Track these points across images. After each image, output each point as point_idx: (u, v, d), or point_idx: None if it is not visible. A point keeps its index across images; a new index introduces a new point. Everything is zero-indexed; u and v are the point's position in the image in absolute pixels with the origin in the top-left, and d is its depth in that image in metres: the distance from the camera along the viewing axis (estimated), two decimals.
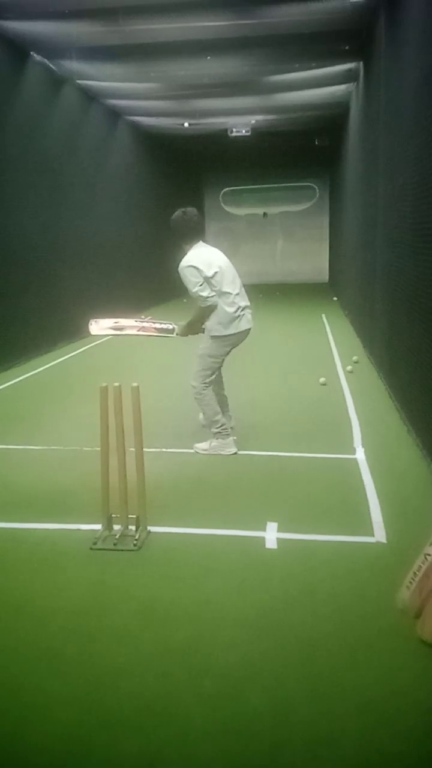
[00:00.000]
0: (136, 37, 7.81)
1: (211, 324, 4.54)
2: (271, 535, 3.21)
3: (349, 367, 7.18)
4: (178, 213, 4.56)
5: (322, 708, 2.06)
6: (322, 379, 6.54)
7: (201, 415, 4.72)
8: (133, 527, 3.22)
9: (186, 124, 13.29)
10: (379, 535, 3.22)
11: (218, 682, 2.19)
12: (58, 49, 8.26)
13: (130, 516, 3.21)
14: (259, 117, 12.84)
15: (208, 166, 19.46)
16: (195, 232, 4.55)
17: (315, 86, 10.35)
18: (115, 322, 4.79)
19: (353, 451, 4.49)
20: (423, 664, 2.25)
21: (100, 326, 4.81)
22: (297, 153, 16.90)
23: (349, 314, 11.04)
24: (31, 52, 8.30)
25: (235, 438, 4.60)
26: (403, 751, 1.90)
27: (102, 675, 2.25)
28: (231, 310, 4.50)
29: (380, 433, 4.89)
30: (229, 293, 4.50)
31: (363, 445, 4.60)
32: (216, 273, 4.45)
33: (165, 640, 2.43)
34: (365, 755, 1.88)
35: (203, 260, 4.44)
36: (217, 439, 4.54)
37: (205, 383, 4.59)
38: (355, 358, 7.58)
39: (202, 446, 4.59)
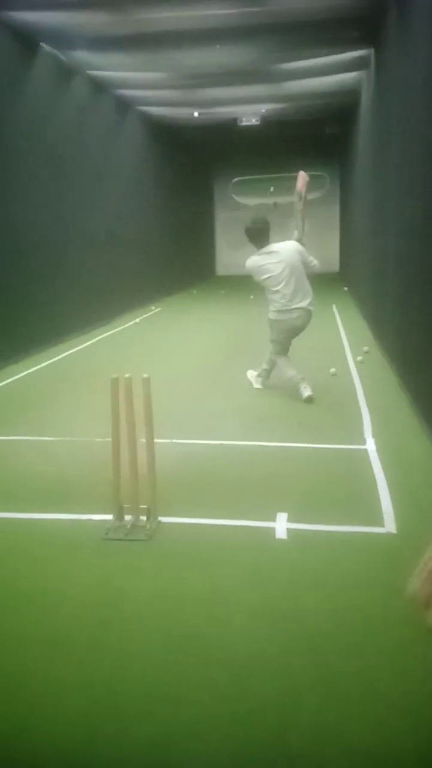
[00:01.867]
0: (145, 27, 7.77)
1: (268, 310, 5.69)
2: (281, 526, 3.22)
3: (359, 358, 7.15)
4: (248, 221, 5.69)
5: (330, 696, 2.07)
6: (332, 370, 6.53)
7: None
8: (144, 517, 3.24)
9: (195, 114, 13.22)
10: (390, 525, 3.22)
11: (227, 671, 2.20)
12: (67, 40, 8.22)
13: (141, 506, 3.23)
14: (269, 106, 12.74)
15: (218, 155, 19.35)
16: (260, 240, 5.61)
17: (325, 74, 10.25)
18: (304, 192, 5.86)
19: (363, 442, 4.48)
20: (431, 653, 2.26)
21: (304, 179, 5.89)
22: (307, 142, 16.77)
23: (360, 304, 10.98)
24: (41, 43, 8.27)
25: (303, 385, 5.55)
26: (411, 740, 1.91)
27: (112, 663, 2.27)
28: (277, 307, 5.55)
29: (391, 423, 4.87)
30: (277, 292, 5.51)
31: (373, 436, 4.59)
32: (268, 278, 5.52)
33: (175, 629, 2.45)
34: (373, 743, 1.89)
35: (256, 267, 5.58)
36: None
37: (273, 354, 5.84)
38: (365, 348, 7.55)
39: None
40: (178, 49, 8.81)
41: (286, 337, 5.69)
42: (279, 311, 5.55)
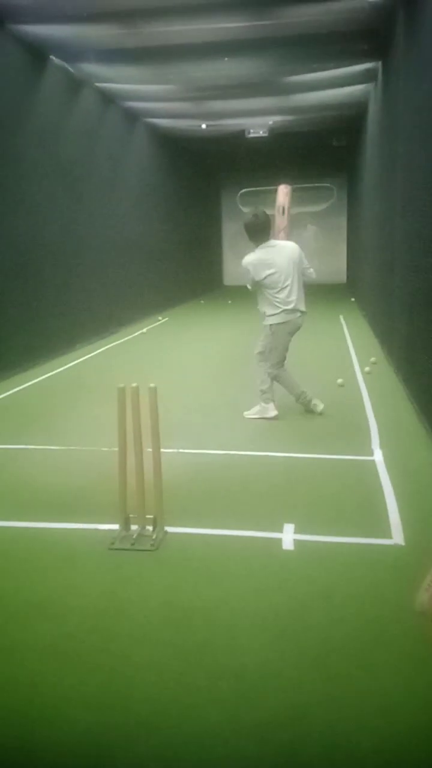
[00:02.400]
0: (153, 40, 7.84)
1: (267, 314, 5.30)
2: (288, 537, 3.20)
3: (367, 368, 7.14)
4: (248, 215, 5.25)
5: (338, 711, 2.05)
6: (339, 380, 6.51)
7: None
8: (150, 527, 3.23)
9: (203, 126, 13.30)
10: (398, 537, 3.20)
11: (235, 684, 2.18)
12: (76, 52, 8.31)
13: (147, 516, 3.22)
14: (277, 118, 12.81)
15: (226, 167, 19.46)
16: (262, 235, 5.19)
17: (333, 86, 10.31)
18: (286, 206, 5.53)
19: (371, 453, 4.46)
20: None
21: (286, 193, 5.58)
22: (315, 154, 16.85)
23: (367, 315, 10.97)
24: (50, 56, 8.37)
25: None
26: (419, 754, 1.88)
27: (119, 675, 2.25)
28: (282, 307, 5.18)
29: (398, 434, 4.85)
30: (282, 290, 5.16)
31: (381, 447, 4.57)
32: (271, 275, 5.11)
33: (182, 640, 2.43)
34: (381, 757, 1.86)
35: (257, 262, 5.14)
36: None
37: (272, 368, 5.39)
38: (373, 359, 7.54)
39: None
40: (186, 61, 8.89)
41: (287, 342, 5.31)
42: (285, 311, 5.17)
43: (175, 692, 2.15)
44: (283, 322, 5.22)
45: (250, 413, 5.39)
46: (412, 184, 5.62)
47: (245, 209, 21.45)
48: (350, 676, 2.21)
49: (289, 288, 5.15)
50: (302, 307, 5.27)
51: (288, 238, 5.42)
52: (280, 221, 5.45)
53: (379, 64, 9.01)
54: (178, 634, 2.47)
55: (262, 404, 5.35)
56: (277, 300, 5.16)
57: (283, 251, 5.18)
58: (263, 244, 5.18)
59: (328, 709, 2.06)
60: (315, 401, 5.38)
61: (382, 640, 2.39)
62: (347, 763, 1.86)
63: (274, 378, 5.36)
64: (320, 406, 5.37)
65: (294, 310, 5.20)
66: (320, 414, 5.34)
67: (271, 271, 5.10)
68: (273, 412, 5.31)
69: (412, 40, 5.81)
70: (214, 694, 2.14)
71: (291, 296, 5.17)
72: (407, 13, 6.13)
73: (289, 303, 5.16)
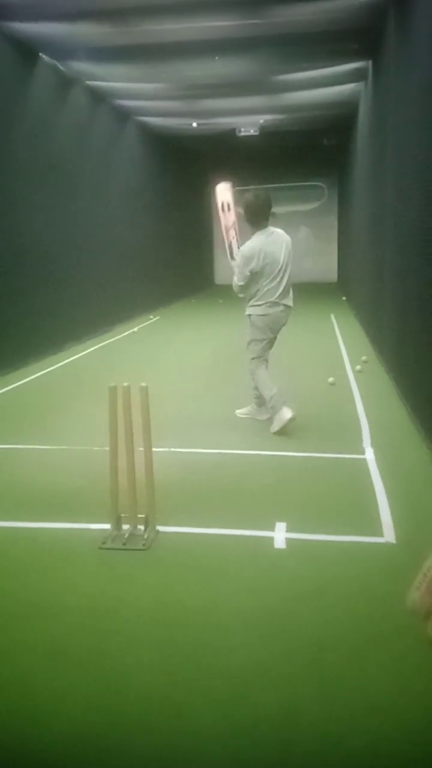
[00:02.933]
0: (144, 38, 7.82)
1: (250, 305, 5.03)
2: (280, 535, 3.21)
3: (358, 367, 7.16)
4: (247, 195, 4.91)
5: (331, 709, 2.06)
6: (330, 379, 6.53)
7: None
8: (141, 527, 3.22)
9: (194, 125, 13.29)
10: (389, 535, 3.21)
11: (227, 683, 2.19)
12: (66, 50, 8.28)
13: (138, 516, 3.22)
14: (268, 117, 12.82)
15: (217, 165, 19.40)
16: (262, 218, 4.88)
17: (323, 85, 10.33)
18: (228, 202, 5.19)
19: (362, 451, 4.47)
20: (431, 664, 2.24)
21: (226, 190, 5.22)
22: (305, 152, 16.88)
23: (358, 314, 11.00)
24: (40, 54, 8.33)
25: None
26: (412, 753, 1.89)
27: (111, 674, 2.25)
28: (266, 299, 4.92)
29: (389, 433, 4.87)
30: (272, 281, 4.88)
31: (372, 446, 4.58)
32: (267, 265, 4.83)
33: (174, 639, 2.43)
34: (374, 756, 1.87)
35: (257, 251, 4.83)
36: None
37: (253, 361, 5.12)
38: (364, 357, 7.56)
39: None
40: (177, 60, 8.88)
41: (270, 336, 5.01)
42: (268, 303, 4.89)
43: (169, 691, 2.15)
44: (263, 315, 4.95)
45: (242, 412, 5.34)
46: (403, 184, 5.64)
47: (236, 208, 21.46)
48: (342, 674, 2.22)
49: (278, 280, 4.88)
50: (288, 302, 4.98)
51: (238, 236, 5.11)
52: (226, 219, 5.12)
53: (370, 63, 9.03)
54: (170, 633, 2.47)
55: (269, 412, 4.97)
56: (263, 291, 4.88)
57: (280, 239, 4.91)
58: (263, 230, 4.88)
59: (321, 707, 2.06)
60: (286, 408, 4.89)
61: (374, 638, 2.40)
62: (340, 761, 1.86)
63: (251, 372, 5.08)
64: (289, 414, 4.84)
65: (277, 303, 4.91)
66: (291, 421, 4.84)
67: (269, 260, 4.83)
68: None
69: (403, 40, 5.83)
70: (207, 692, 2.14)
71: (279, 288, 4.89)
72: (398, 12, 6.15)
73: (273, 295, 4.89)
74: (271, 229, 4.92)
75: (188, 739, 1.94)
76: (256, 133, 13.40)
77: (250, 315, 5.03)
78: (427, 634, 2.40)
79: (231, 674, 2.23)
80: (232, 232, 5.09)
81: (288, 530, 3.26)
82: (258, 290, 4.92)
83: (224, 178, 5.63)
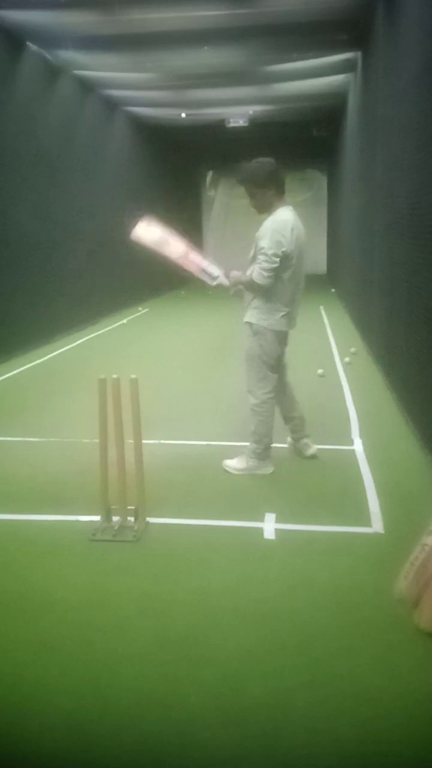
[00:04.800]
0: (132, 27, 7.75)
1: (265, 309, 3.77)
2: (270, 526, 3.23)
3: (347, 359, 7.18)
4: (252, 163, 3.82)
5: (320, 696, 2.08)
6: (320, 371, 6.55)
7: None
8: (131, 518, 3.23)
9: (183, 115, 13.21)
10: (377, 525, 3.24)
11: (218, 671, 2.21)
12: (54, 39, 8.19)
13: (128, 507, 3.22)
14: (257, 107, 12.77)
15: (206, 156, 19.36)
16: (281, 189, 3.77)
17: (313, 76, 10.29)
18: (162, 237, 3.85)
19: (351, 442, 4.50)
20: (420, 652, 2.27)
21: (148, 230, 3.84)
22: (295, 143, 16.82)
23: (348, 306, 11.03)
24: (27, 42, 8.23)
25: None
26: (399, 738, 1.92)
27: (102, 665, 2.26)
28: (285, 301, 3.78)
29: (378, 424, 4.90)
30: (292, 275, 3.76)
31: (361, 436, 4.61)
32: (292, 252, 3.69)
33: (164, 630, 2.44)
34: (362, 742, 1.90)
35: (289, 229, 3.66)
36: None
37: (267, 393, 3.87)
38: (353, 349, 7.59)
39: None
40: (165, 50, 8.81)
41: (278, 352, 3.92)
42: (286, 312, 3.78)
43: (158, 680, 2.17)
44: (280, 331, 3.82)
45: (231, 464, 4.01)
46: (392, 175, 5.64)
47: (211, 193, 21.33)
48: (332, 662, 2.24)
49: (299, 279, 3.83)
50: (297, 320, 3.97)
51: (202, 254, 3.95)
52: (173, 250, 3.85)
53: (359, 54, 9.01)
54: (160, 623, 2.48)
55: (253, 458, 3.93)
56: (285, 291, 3.74)
57: (302, 228, 3.82)
58: (285, 206, 3.79)
59: (309, 694, 2.09)
60: (306, 441, 4.17)
61: (363, 627, 2.43)
62: (328, 748, 1.89)
63: (257, 408, 3.87)
64: (312, 449, 4.15)
65: (293, 314, 3.87)
66: (312, 457, 4.16)
67: (300, 244, 3.73)
68: (268, 469, 3.94)
69: (392, 31, 5.82)
70: (197, 682, 2.16)
71: (297, 289, 3.83)
72: (387, 3, 6.13)
73: (290, 298, 3.80)
74: (290, 208, 3.81)
75: (179, 728, 1.96)
76: (246, 124, 13.34)
77: (255, 325, 3.78)
78: (415, 621, 2.44)
79: (221, 664, 2.25)
80: (193, 255, 3.86)
81: (277, 521, 3.28)
82: (278, 293, 3.72)
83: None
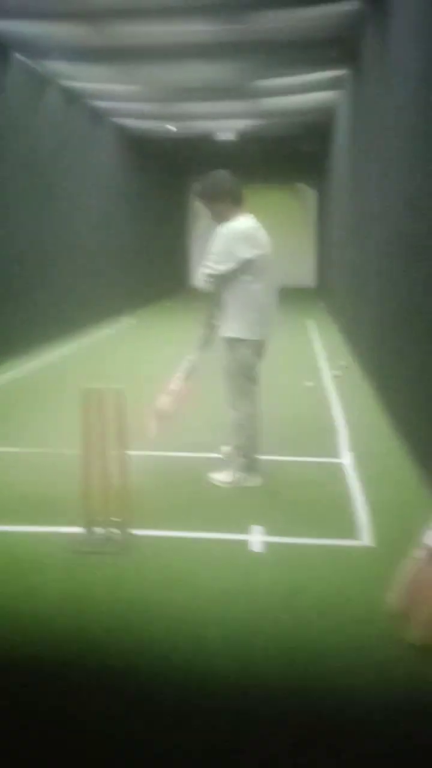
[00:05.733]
0: (120, 40, 7.77)
1: (232, 318, 3.73)
2: (257, 539, 3.17)
3: (336, 372, 7.16)
4: (206, 177, 3.96)
5: (311, 710, 2.01)
6: (309, 383, 6.52)
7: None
8: (116, 530, 3.16)
9: (172, 128, 13.27)
10: (366, 538, 3.19)
11: (204, 686, 2.14)
12: (41, 50, 8.18)
13: (113, 519, 3.15)
14: (246, 122, 12.84)
15: (194, 169, 19.42)
16: (239, 198, 3.78)
17: (302, 92, 10.37)
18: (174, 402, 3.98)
19: (340, 455, 4.46)
20: (412, 667, 2.21)
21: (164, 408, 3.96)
22: (284, 158, 16.95)
23: (337, 320, 11.05)
24: (14, 53, 8.22)
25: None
26: (396, 753, 1.85)
27: (83, 678, 2.18)
28: (255, 308, 3.72)
29: (367, 437, 4.86)
30: (261, 283, 3.73)
31: (350, 450, 4.57)
32: (258, 256, 3.68)
33: (149, 642, 2.37)
34: (360, 754, 1.83)
35: (246, 235, 3.66)
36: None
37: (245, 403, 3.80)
38: (343, 363, 7.57)
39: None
40: (154, 62, 8.84)
41: (255, 363, 3.83)
42: (256, 320, 3.71)
43: (143, 692, 2.09)
44: (248, 339, 3.73)
45: (223, 480, 3.87)
46: (385, 190, 5.66)
47: (197, 204, 21.39)
48: (323, 678, 2.18)
49: (267, 285, 3.77)
50: (273, 331, 3.90)
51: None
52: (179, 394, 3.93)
53: (349, 71, 9.09)
54: (145, 636, 2.41)
55: (240, 471, 3.84)
56: (249, 297, 3.67)
57: (266, 237, 3.84)
58: (243, 215, 3.77)
59: (298, 710, 2.02)
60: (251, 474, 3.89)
61: (354, 641, 2.37)
62: (322, 761, 1.82)
63: (238, 421, 3.85)
64: (251, 481, 3.86)
65: (267, 321, 3.80)
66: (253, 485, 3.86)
67: (259, 252, 3.69)
68: (257, 481, 3.85)
69: (382, 50, 5.87)
70: (183, 695, 2.09)
71: (267, 296, 3.76)
72: (377, 22, 6.19)
73: (262, 305, 3.74)
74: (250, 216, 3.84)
75: (162, 746, 1.88)
76: (235, 138, 13.42)
77: (230, 339, 3.73)
78: (407, 636, 2.38)
79: (207, 677, 2.18)
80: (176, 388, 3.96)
81: (265, 534, 3.22)
82: (243, 300, 3.68)
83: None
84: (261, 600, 2.65)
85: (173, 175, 18.71)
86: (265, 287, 3.77)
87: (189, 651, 2.33)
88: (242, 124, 12.96)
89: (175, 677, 2.20)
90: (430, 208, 3.82)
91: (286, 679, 2.19)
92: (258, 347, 3.84)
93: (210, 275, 3.68)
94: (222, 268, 3.65)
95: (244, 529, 3.25)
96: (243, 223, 3.75)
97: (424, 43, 4.07)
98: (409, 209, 4.44)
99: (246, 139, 13.67)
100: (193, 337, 4.07)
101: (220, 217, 3.79)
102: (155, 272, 16.37)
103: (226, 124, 12.99)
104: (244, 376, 3.78)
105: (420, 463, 3.93)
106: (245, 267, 3.65)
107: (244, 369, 3.77)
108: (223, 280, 3.68)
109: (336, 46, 8.13)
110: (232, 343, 3.75)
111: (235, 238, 3.67)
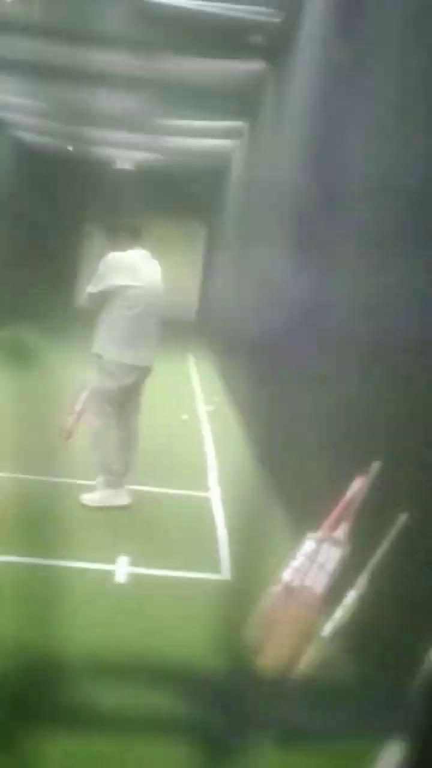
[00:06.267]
0: (31, 55, 7.71)
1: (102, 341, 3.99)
2: (122, 569, 3.20)
3: (210, 407, 7.36)
4: (111, 221, 4.34)
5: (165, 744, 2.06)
6: (184, 416, 6.66)
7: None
8: None
9: (70, 148, 13.21)
10: (225, 572, 3.32)
11: (59, 717, 2.12)
12: None
13: None
14: (146, 155, 13.08)
15: (92, 191, 19.33)
16: (134, 237, 4.05)
17: (201, 136, 10.78)
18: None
19: (207, 489, 4.60)
20: (263, 695, 2.33)
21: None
22: (178, 195, 17.33)
23: (215, 356, 11.36)
24: None
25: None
26: None
27: None
28: (122, 337, 3.93)
29: (235, 473, 5.04)
30: (132, 310, 3.94)
31: (218, 483, 4.72)
32: (132, 287, 3.89)
33: (4, 673, 2.31)
34: None
35: (127, 265, 3.93)
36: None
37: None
38: (216, 398, 7.80)
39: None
40: (60, 83, 8.82)
41: (130, 392, 4.10)
42: (127, 345, 3.96)
43: None
44: (115, 362, 3.94)
45: (91, 499, 4.01)
46: (267, 238, 6.00)
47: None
48: (176, 710, 2.24)
49: (144, 314, 3.96)
50: (152, 360, 4.12)
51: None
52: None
53: (246, 123, 9.61)
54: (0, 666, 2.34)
55: (106, 488, 4.02)
56: (124, 324, 3.91)
57: (155, 271, 4.11)
58: (136, 249, 4.06)
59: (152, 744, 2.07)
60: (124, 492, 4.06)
61: (210, 671, 2.46)
62: None
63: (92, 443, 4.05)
64: (117, 499, 4.03)
65: (144, 350, 4.01)
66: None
67: (138, 283, 3.92)
68: (124, 499, 4.02)
69: (277, 107, 6.30)
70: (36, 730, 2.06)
71: (149, 328, 4.01)
72: (277, 81, 6.64)
73: (141, 338, 3.96)
74: (143, 252, 4.08)
75: None
76: (132, 169, 13.59)
77: (97, 355, 3.97)
78: (259, 664, 2.51)
79: (58, 710, 2.16)
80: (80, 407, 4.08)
81: (130, 564, 3.25)
82: (119, 323, 3.93)
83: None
84: (123, 631, 2.68)
85: (70, 195, 18.48)
86: (140, 316, 3.96)
87: (47, 681, 2.30)
88: (141, 156, 13.18)
89: (29, 709, 2.16)
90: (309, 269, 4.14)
91: (142, 707, 2.23)
92: (129, 372, 3.99)
93: (88, 293, 4.05)
94: (94, 290, 3.98)
95: (110, 559, 3.27)
96: (129, 255, 4.00)
97: (314, 104, 4.46)
98: (287, 267, 4.75)
99: (143, 171, 13.90)
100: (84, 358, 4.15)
101: (116, 249, 4.05)
102: (38, 294, 15.96)
103: (126, 154, 13.15)
104: (105, 396, 3.97)
105: (281, 500, 4.15)
106: (119, 293, 3.90)
107: (107, 389, 3.97)
108: (98, 301, 3.97)
109: (237, 99, 8.61)
110: (99, 361, 3.98)
111: (112, 266, 3.95)
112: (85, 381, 4.15)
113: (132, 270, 3.94)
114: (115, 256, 3.96)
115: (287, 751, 0.99)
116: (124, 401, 4.04)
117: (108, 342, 3.95)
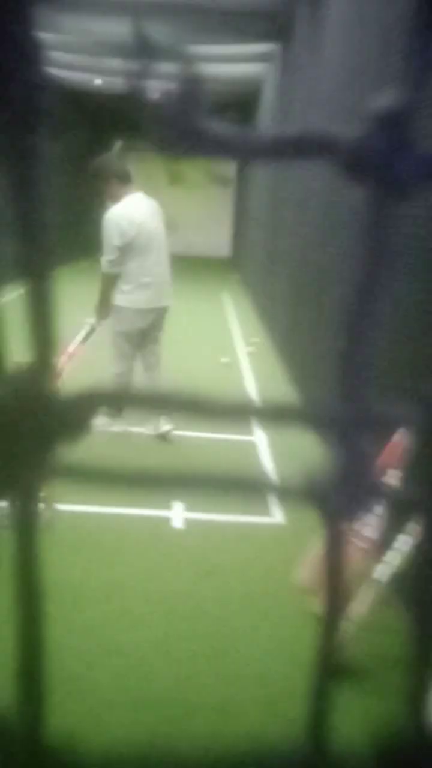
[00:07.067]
0: None
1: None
2: (178, 515, 3.33)
3: (250, 348, 7.37)
4: (93, 161, 4.19)
5: (227, 679, 2.22)
6: (224, 359, 6.69)
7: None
8: (39, 505, 3.20)
9: (98, 81, 12.83)
10: (278, 515, 3.43)
11: (128, 659, 2.29)
12: None
13: None
14: (173, 85, 12.61)
15: (119, 125, 18.83)
16: (121, 175, 4.07)
17: (231, 61, 10.33)
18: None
19: (253, 433, 4.68)
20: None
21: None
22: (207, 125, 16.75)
23: (252, 295, 11.26)
24: None
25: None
26: (301, 717, 2.09)
27: (10, 655, 2.26)
28: (134, 284, 4.11)
29: None
30: (146, 259, 4.10)
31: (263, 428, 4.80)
32: (135, 237, 4.01)
33: (74, 619, 2.48)
34: (266, 720, 2.06)
35: (133, 220, 3.99)
36: None
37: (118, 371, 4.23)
38: (255, 339, 7.79)
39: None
40: (85, 14, 8.51)
41: (140, 330, 4.26)
42: (143, 290, 4.14)
43: (69, 668, 2.22)
44: (132, 308, 4.11)
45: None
46: (307, 168, 5.82)
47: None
48: (238, 648, 2.39)
49: (156, 258, 4.14)
50: (166, 300, 4.26)
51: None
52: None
53: (279, 46, 9.14)
54: (70, 613, 2.52)
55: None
56: (138, 272, 4.08)
57: (154, 212, 4.20)
58: (130, 195, 4.09)
59: (218, 677, 2.22)
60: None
61: (266, 614, 2.60)
62: (235, 724, 2.03)
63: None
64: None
65: (159, 291, 4.17)
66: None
67: (142, 231, 4.06)
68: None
69: (313, 27, 5.97)
70: (107, 668, 2.23)
71: (158, 268, 4.15)
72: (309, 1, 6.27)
73: (153, 278, 4.11)
74: (138, 194, 4.16)
75: (92, 712, 2.03)
76: (160, 100, 13.15)
77: (116, 305, 4.16)
78: (313, 608, 2.62)
79: (131, 652, 2.33)
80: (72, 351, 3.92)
81: (185, 510, 3.38)
82: (133, 272, 4.10)
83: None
84: (182, 575, 2.83)
85: (98, 132, 18.08)
86: (148, 259, 4.10)
87: (113, 625, 2.47)
88: (169, 86, 12.71)
89: (101, 651, 2.33)
90: (348, 189, 4.02)
91: (205, 650, 2.38)
92: (144, 315, 4.18)
93: (107, 261, 4.09)
94: (111, 256, 4.07)
95: (165, 506, 3.40)
96: (125, 206, 4.04)
97: (352, 26, 4.22)
98: (330, 187, 4.60)
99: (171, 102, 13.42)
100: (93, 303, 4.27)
101: (110, 197, 4.10)
102: (60, 235, 15.86)
103: (153, 85, 12.69)
104: (121, 338, 4.21)
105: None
106: (127, 248, 4.02)
107: (122, 332, 4.20)
108: (118, 264, 4.07)
109: (268, 20, 8.18)
110: (119, 309, 4.16)
111: (113, 226, 4.01)
112: (87, 324, 4.26)
113: (132, 221, 4.01)
114: (113, 215, 4.02)
115: None
116: (141, 341, 4.29)
117: (125, 292, 4.12)
